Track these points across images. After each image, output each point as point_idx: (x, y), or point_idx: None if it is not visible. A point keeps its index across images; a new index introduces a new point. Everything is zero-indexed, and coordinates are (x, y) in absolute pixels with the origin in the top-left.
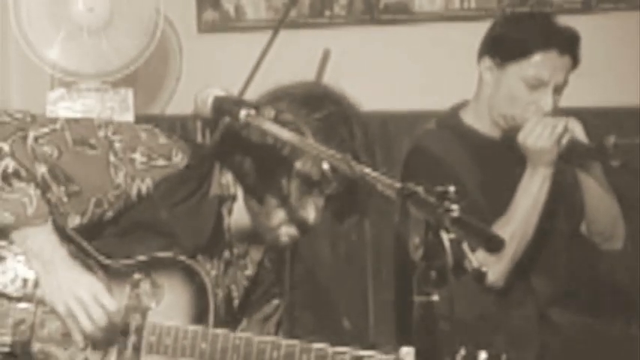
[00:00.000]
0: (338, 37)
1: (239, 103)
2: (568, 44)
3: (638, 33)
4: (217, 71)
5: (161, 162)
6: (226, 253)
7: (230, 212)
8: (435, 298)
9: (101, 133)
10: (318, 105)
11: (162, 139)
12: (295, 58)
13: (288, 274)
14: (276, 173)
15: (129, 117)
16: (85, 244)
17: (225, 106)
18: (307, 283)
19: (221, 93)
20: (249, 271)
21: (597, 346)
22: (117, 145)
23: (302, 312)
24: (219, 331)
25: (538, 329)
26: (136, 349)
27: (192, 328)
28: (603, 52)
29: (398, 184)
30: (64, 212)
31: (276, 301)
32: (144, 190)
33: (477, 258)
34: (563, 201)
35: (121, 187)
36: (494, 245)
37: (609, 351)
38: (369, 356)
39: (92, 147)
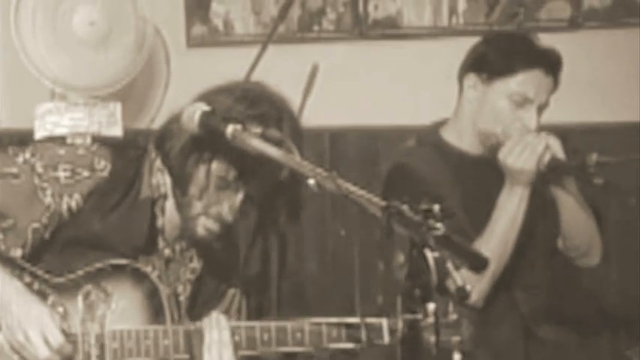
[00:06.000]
0: (326, 52)
1: (226, 118)
2: (553, 66)
3: (625, 51)
4: (206, 86)
5: (85, 173)
6: (166, 251)
7: (163, 211)
8: (420, 316)
9: (20, 159)
10: (254, 102)
11: (82, 151)
12: (284, 73)
13: (244, 260)
14: (199, 165)
15: (117, 131)
16: (32, 268)
17: (211, 122)
18: (294, 298)
19: (208, 108)
20: (194, 264)
21: None
22: (38, 166)
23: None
24: (180, 326)
25: (523, 345)
26: (101, 358)
27: (152, 327)
28: (590, 70)
29: (383, 203)
30: (4, 249)
31: (232, 291)
32: (74, 205)
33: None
34: (541, 217)
35: (51, 206)
36: (479, 264)
37: None
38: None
39: (15, 176)
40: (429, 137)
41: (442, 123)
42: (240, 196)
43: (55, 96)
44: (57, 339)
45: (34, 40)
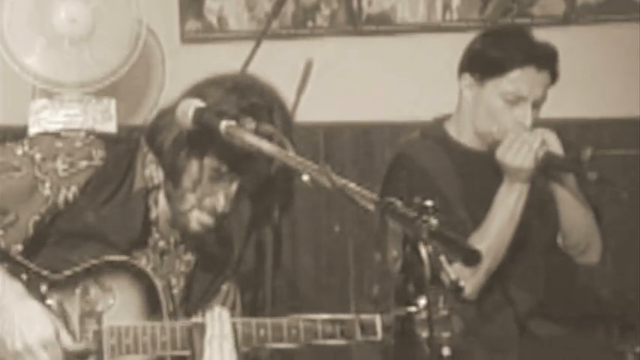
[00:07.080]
0: (320, 47)
1: (220, 114)
2: (546, 60)
3: (618, 46)
4: None
5: (83, 163)
6: (161, 243)
7: (157, 203)
8: (413, 309)
9: (19, 151)
10: (245, 94)
11: (79, 143)
12: (278, 69)
13: (239, 255)
14: (191, 158)
15: (111, 127)
16: (30, 265)
17: (205, 118)
18: (289, 293)
19: (202, 104)
20: (188, 257)
21: (577, 357)
22: (37, 157)
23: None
24: (177, 322)
25: (518, 340)
26: (98, 354)
27: (149, 324)
28: (583, 65)
29: (376, 197)
30: (5, 245)
31: (226, 286)
32: (70, 197)
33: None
34: (539, 213)
35: (50, 198)
36: (472, 258)
37: None
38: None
39: (17, 169)
40: (433, 131)
41: (446, 117)
42: (235, 186)
43: (36, 92)
44: (57, 355)
45: (11, 36)
